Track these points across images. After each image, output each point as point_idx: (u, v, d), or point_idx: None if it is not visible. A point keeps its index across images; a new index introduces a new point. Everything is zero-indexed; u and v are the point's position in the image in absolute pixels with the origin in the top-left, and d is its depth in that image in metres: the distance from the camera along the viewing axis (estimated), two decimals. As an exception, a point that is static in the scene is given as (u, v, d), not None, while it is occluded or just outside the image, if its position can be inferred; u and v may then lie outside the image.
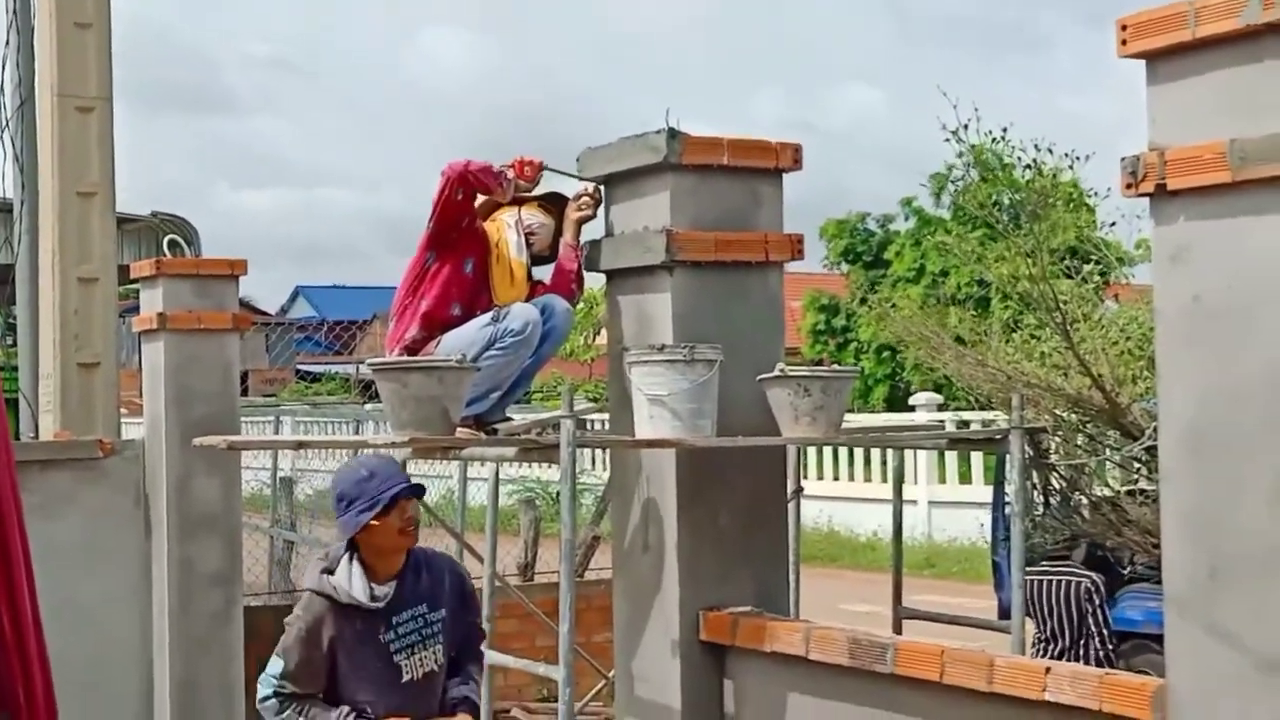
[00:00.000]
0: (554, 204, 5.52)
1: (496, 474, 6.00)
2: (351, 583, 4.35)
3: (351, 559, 4.38)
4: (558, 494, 12.88)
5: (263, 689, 4.43)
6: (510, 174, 5.28)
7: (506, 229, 5.50)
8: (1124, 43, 3.34)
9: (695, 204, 4.78)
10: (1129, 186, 3.33)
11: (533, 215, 5.54)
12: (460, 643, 4.59)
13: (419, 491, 4.44)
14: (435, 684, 4.49)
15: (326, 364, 40.00)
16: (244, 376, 8.40)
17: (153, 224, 11.74)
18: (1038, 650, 6.77)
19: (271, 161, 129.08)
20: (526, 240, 5.50)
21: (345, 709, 4.33)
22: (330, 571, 4.40)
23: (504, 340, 5.22)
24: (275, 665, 4.42)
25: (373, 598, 4.36)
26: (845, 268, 29.81)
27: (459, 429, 4.85)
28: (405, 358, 5.05)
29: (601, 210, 5.20)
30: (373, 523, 4.32)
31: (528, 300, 5.41)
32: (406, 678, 4.40)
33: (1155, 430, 3.41)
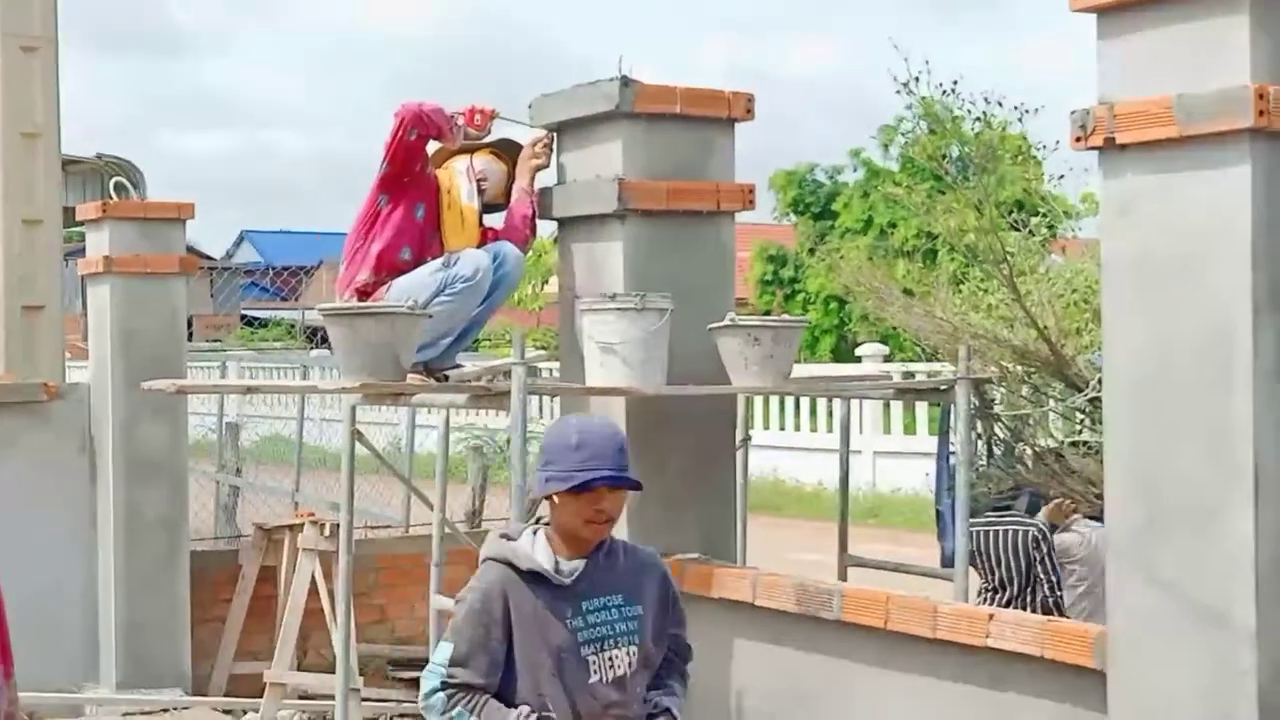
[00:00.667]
0: (506, 151, 5.51)
1: (447, 420, 6.01)
2: (535, 548, 3.66)
3: (536, 531, 3.71)
4: (506, 441, 12.88)
5: (427, 682, 3.67)
6: (461, 120, 5.27)
7: (458, 175, 5.49)
8: (1075, -3, 3.37)
9: (647, 153, 4.79)
10: (1078, 140, 3.37)
11: (484, 162, 5.53)
12: (665, 656, 3.81)
13: (626, 484, 3.63)
14: (627, 692, 3.68)
15: (272, 310, 39.73)
16: (188, 322, 8.35)
17: (98, 166, 11.61)
18: (984, 599, 6.85)
19: (218, 103, 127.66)
20: (478, 187, 5.49)
21: (525, 709, 3.59)
22: (510, 539, 3.73)
23: (455, 286, 5.22)
24: (443, 650, 3.66)
25: (558, 570, 3.65)
26: (794, 219, 29.85)
27: (409, 375, 4.86)
28: (357, 303, 5.05)
29: (553, 158, 5.20)
30: (556, 498, 3.64)
31: (479, 247, 5.40)
32: (595, 678, 3.63)
33: (1099, 382, 3.46)
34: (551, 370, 10.42)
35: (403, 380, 4.74)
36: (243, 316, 40.29)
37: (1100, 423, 3.87)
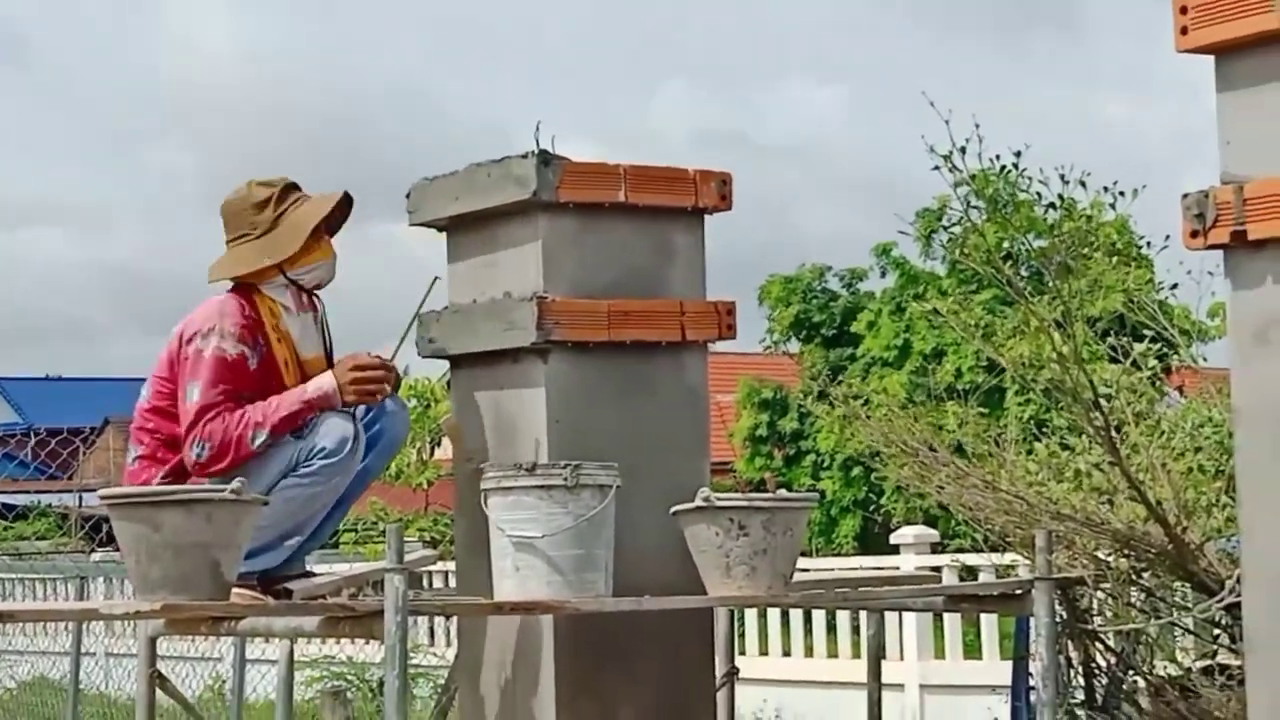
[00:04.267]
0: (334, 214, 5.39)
1: (290, 654, 5.97)
2: None
3: None
4: (379, 682, 12.65)
5: None
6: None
7: (285, 319, 5.37)
8: (1184, 31, 3.42)
9: (579, 259, 4.84)
10: (1194, 235, 3.41)
11: (306, 269, 5.38)
12: None
13: None
14: None
15: (34, 493, 39.56)
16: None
17: None
18: None
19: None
20: (314, 314, 5.45)
21: None
22: None
23: (312, 463, 5.18)
24: None
25: None
26: (796, 346, 30.02)
27: (235, 590, 4.84)
28: (155, 488, 5.05)
29: (444, 267, 5.24)
30: None
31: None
32: None
33: (1239, 580, 3.48)
34: (447, 577, 10.39)
35: (225, 598, 4.71)
36: (-9, 503, 40.07)
37: (1242, 639, 3.88)
